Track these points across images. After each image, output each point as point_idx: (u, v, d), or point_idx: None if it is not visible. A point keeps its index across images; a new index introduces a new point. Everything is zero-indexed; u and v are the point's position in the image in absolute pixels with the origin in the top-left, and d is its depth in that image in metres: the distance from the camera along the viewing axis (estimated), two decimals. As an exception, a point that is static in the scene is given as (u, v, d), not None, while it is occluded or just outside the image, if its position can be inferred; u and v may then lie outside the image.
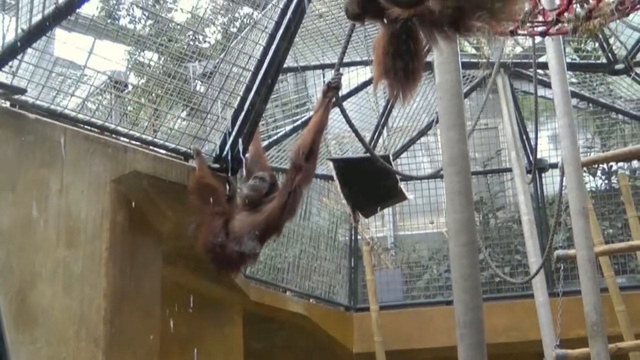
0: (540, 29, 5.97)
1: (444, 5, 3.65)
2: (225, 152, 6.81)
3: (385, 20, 3.93)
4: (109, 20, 8.51)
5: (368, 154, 12.22)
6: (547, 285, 11.39)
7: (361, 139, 8.05)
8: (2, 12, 6.06)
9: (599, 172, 14.30)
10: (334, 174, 10.29)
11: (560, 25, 5.72)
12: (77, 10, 6.45)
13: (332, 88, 6.52)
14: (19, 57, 5.99)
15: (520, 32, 6.08)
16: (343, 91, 12.40)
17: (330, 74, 12.83)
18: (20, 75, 6.00)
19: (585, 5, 5.41)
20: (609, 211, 13.46)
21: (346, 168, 10.39)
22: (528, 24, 5.90)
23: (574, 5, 5.44)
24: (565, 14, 5.54)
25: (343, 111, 7.32)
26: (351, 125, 7.62)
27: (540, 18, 5.90)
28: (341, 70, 6.98)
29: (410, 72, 4.12)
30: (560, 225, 11.36)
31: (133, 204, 6.09)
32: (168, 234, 6.64)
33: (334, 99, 6.49)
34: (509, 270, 13.48)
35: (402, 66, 4.08)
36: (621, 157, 12.14)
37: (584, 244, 8.41)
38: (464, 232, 6.33)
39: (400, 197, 10.86)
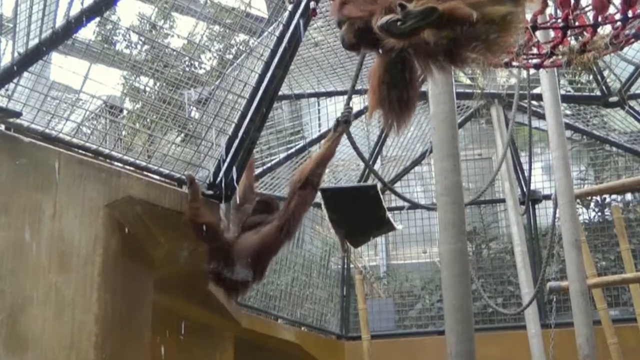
0: (534, 61, 6.01)
1: (439, 36, 3.65)
2: (218, 179, 6.82)
3: (380, 50, 3.95)
4: (105, 45, 8.52)
5: (356, 184, 12.28)
6: (539, 317, 11.41)
7: (366, 163, 8.09)
8: (-1, 35, 6.09)
9: (592, 204, 14.34)
10: (322, 203, 10.32)
11: (554, 58, 5.75)
12: (74, 35, 6.49)
13: (343, 122, 6.63)
14: (15, 80, 6.00)
15: (514, 64, 6.11)
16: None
17: (324, 103, 12.96)
18: (16, 98, 6.01)
19: (580, 39, 5.44)
20: (602, 243, 13.47)
21: (334, 197, 10.41)
22: (523, 56, 5.94)
23: (569, 38, 5.48)
24: (560, 47, 5.58)
25: (353, 144, 7.38)
26: (359, 153, 7.66)
27: (535, 50, 5.93)
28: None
29: (404, 102, 4.14)
30: (553, 257, 11.39)
31: (126, 229, 6.07)
32: (160, 260, 6.62)
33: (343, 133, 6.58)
34: (501, 301, 13.48)
35: (397, 96, 4.10)
36: (615, 190, 12.20)
37: (576, 276, 8.41)
38: (457, 263, 6.35)
39: (389, 227, 10.88)
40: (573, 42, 5.44)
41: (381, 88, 4.07)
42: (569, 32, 5.26)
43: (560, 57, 5.63)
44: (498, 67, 5.47)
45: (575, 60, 5.56)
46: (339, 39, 4.10)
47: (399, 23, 3.61)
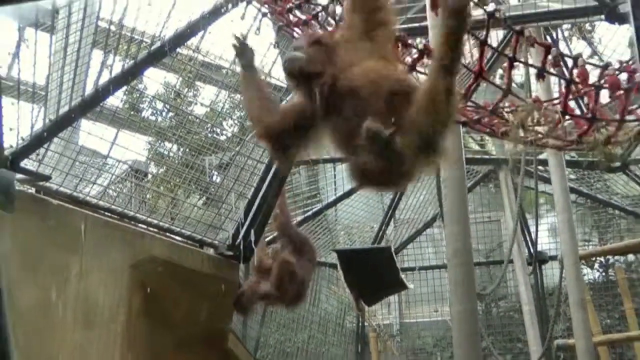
0: (558, 143, 5.88)
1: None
2: (238, 241, 6.76)
3: (311, 96, 4.00)
4: (132, 112, 8.54)
5: (371, 246, 12.21)
6: (548, 374, 11.19)
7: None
8: (32, 103, 6.08)
9: (596, 265, 14.23)
10: (338, 264, 10.27)
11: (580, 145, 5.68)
12: (102, 103, 6.50)
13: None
14: (46, 145, 5.99)
15: (538, 143, 5.97)
16: (352, 185, 12.42)
17: (340, 168, 12.94)
18: (46, 162, 6.01)
19: (605, 131, 5.36)
20: (606, 302, 13.31)
21: (350, 259, 10.37)
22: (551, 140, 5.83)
23: (593, 130, 5.39)
24: (585, 137, 5.51)
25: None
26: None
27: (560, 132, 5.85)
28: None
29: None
30: (560, 316, 11.23)
31: (149, 289, 6.00)
32: (180, 319, 6.52)
33: None
34: (510, 358, 13.31)
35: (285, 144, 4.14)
36: (618, 251, 12.12)
37: (582, 334, 8.31)
38: (467, 322, 6.23)
39: (401, 286, 10.80)
40: (598, 134, 5.37)
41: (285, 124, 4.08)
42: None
43: (585, 145, 5.57)
44: (522, 143, 5.42)
45: (598, 149, 5.49)
46: (289, 60, 4.01)
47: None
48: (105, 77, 6.31)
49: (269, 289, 6.87)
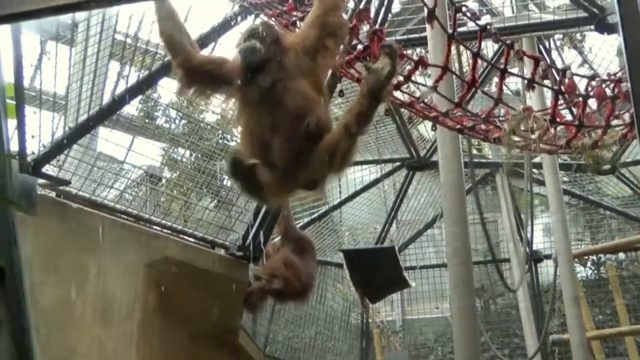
0: (548, 147, 5.94)
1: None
2: (248, 242, 6.80)
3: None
4: (146, 120, 8.58)
5: (375, 246, 12.23)
6: (543, 367, 11.20)
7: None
8: (53, 111, 6.14)
9: (589, 263, 14.23)
10: (344, 263, 10.29)
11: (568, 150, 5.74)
12: (118, 111, 6.56)
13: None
14: (66, 152, 6.04)
15: (529, 148, 6.03)
16: (356, 188, 12.47)
17: (346, 172, 12.96)
18: (66, 168, 6.06)
19: (593, 135, 5.41)
20: (599, 299, 13.33)
21: (355, 258, 10.39)
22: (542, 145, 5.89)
23: (582, 134, 5.45)
24: (573, 141, 5.56)
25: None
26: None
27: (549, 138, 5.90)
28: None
29: None
30: (555, 312, 11.24)
31: (163, 287, 6.04)
32: (193, 317, 6.56)
33: None
34: (508, 352, 13.29)
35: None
36: (609, 250, 12.17)
37: (576, 329, 8.34)
38: (466, 319, 6.27)
39: (404, 284, 10.82)
40: (586, 139, 5.42)
41: None
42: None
43: (572, 149, 5.62)
44: (514, 147, 5.47)
45: (586, 154, 5.55)
46: (248, 50, 4.10)
47: None
48: (121, 87, 6.37)
49: (278, 286, 6.98)
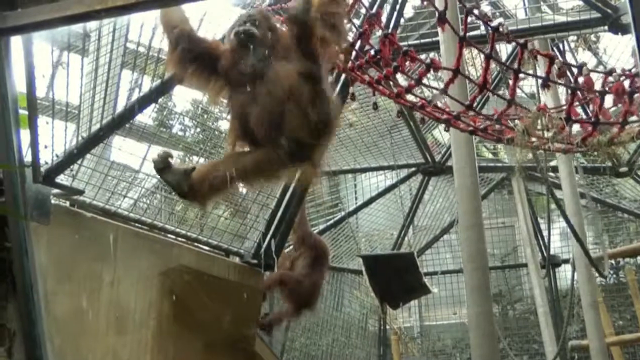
0: (564, 147, 5.90)
1: None
2: (262, 249, 6.77)
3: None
4: (162, 129, 8.58)
5: (394, 251, 12.20)
6: (563, 373, 11.10)
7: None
8: (65, 121, 6.14)
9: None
10: (363, 269, 10.25)
11: (583, 148, 5.68)
12: (132, 120, 6.55)
13: None
14: (79, 161, 6.04)
15: (544, 147, 6.00)
16: (371, 194, 12.44)
17: (360, 178, 12.95)
18: (79, 178, 6.05)
19: (608, 133, 5.36)
20: (618, 304, 13.21)
21: (374, 264, 10.35)
22: (557, 144, 5.85)
23: (597, 132, 5.40)
24: (589, 139, 5.51)
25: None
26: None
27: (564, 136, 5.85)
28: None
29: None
30: (574, 317, 11.14)
31: (177, 295, 6.02)
32: (208, 325, 6.53)
33: None
34: (527, 359, 13.22)
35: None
36: (627, 254, 12.06)
37: (596, 335, 8.26)
38: (483, 324, 6.22)
39: (424, 290, 10.77)
40: (602, 136, 5.37)
41: None
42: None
43: (589, 147, 5.57)
44: (528, 147, 5.43)
45: (601, 150, 5.49)
46: (246, 34, 4.17)
47: None
48: (134, 96, 6.36)
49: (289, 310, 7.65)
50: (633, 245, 12.07)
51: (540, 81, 4.87)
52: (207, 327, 6.52)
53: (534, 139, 4.99)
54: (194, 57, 4.28)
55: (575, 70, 4.81)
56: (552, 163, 10.44)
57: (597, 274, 9.56)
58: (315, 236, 8.21)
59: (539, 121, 4.68)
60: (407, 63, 4.36)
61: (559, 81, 4.93)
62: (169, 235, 6.56)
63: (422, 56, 5.48)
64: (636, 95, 4.81)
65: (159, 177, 4.52)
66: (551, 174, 11.01)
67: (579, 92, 4.86)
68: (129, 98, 6.39)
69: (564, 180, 9.15)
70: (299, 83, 4.03)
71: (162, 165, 4.33)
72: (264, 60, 4.07)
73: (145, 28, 6.41)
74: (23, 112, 4.92)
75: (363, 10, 5.36)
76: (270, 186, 6.83)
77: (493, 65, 5.11)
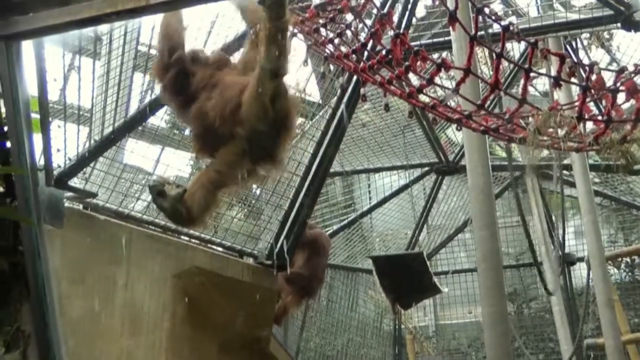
0: (576, 145, 5.86)
1: None
2: (276, 250, 6.75)
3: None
4: (175, 131, 8.59)
5: (404, 252, 12.18)
6: (579, 372, 11.04)
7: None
8: (78, 124, 6.14)
9: (623, 265, 14.02)
10: (373, 269, 10.25)
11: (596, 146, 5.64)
12: (144, 123, 6.55)
13: None
14: (92, 164, 6.05)
15: (555, 146, 5.97)
16: (385, 194, 12.43)
17: (374, 178, 12.92)
18: (92, 181, 6.07)
19: (621, 130, 5.32)
20: (634, 301, 13.13)
21: (384, 264, 10.35)
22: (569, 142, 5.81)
23: (610, 130, 5.36)
24: (602, 137, 5.46)
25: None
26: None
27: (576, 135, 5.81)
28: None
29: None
30: (589, 315, 11.08)
31: (191, 297, 6.01)
32: (222, 326, 6.52)
33: None
34: (542, 357, 13.18)
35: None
36: (643, 252, 11.97)
37: (611, 333, 8.21)
38: (498, 324, 6.18)
39: (435, 290, 10.75)
40: (615, 134, 5.32)
41: None
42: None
43: (601, 146, 5.53)
44: (540, 147, 5.39)
45: (614, 148, 5.44)
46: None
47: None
48: (146, 99, 6.37)
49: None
50: (648, 243, 12.02)
51: (552, 81, 4.82)
52: (221, 328, 6.51)
53: (546, 138, 4.94)
54: (174, 75, 4.44)
55: (586, 69, 4.76)
56: (566, 161, 10.38)
57: (612, 272, 9.51)
58: (313, 231, 8.20)
59: (551, 120, 4.63)
60: (419, 63, 4.32)
61: (570, 80, 4.89)
62: (183, 237, 6.56)
63: (435, 56, 5.46)
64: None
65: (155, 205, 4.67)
66: (565, 172, 10.96)
67: (590, 92, 4.81)
68: (141, 101, 6.40)
69: (578, 178, 9.09)
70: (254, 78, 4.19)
71: (158, 193, 4.42)
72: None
73: (157, 30, 6.41)
74: (35, 116, 4.94)
75: (375, 11, 5.33)
76: (268, 186, 6.87)
77: (505, 64, 5.08)
